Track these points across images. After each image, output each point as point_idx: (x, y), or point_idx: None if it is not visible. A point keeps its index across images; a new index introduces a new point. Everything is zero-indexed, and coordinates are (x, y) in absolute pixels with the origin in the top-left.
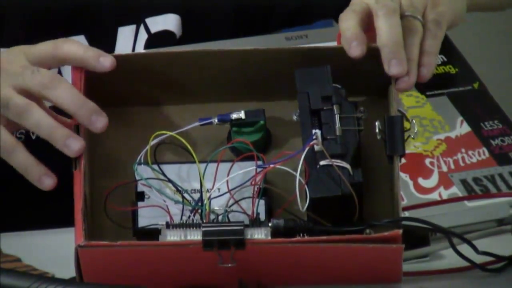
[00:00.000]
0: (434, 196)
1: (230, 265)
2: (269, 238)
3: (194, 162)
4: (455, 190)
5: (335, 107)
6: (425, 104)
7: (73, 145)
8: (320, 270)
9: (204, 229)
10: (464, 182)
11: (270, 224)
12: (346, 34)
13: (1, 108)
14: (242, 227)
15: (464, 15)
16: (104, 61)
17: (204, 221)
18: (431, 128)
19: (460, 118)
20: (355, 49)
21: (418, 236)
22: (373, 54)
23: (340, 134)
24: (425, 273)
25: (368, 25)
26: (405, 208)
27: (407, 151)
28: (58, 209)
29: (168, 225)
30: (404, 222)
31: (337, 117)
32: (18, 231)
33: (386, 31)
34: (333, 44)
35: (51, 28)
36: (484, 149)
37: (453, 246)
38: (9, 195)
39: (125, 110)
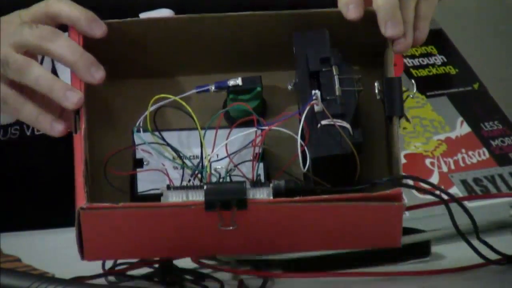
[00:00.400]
0: None
1: (231, 228)
2: (271, 198)
3: (192, 129)
4: (456, 191)
5: (334, 68)
6: (425, 105)
7: (72, 96)
8: (321, 231)
9: (206, 187)
10: (464, 182)
11: (271, 185)
12: None
13: (1, 66)
14: (244, 186)
15: None
16: (96, 27)
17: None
18: (431, 128)
19: (460, 119)
20: (353, 11)
21: (420, 245)
22: (369, 19)
23: (340, 94)
24: (425, 273)
25: None
26: (406, 208)
27: (407, 151)
28: (58, 209)
29: (169, 187)
30: (404, 181)
31: (336, 78)
32: (18, 231)
33: None
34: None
35: None
36: (484, 149)
37: (450, 214)
38: (9, 195)
39: (121, 82)
